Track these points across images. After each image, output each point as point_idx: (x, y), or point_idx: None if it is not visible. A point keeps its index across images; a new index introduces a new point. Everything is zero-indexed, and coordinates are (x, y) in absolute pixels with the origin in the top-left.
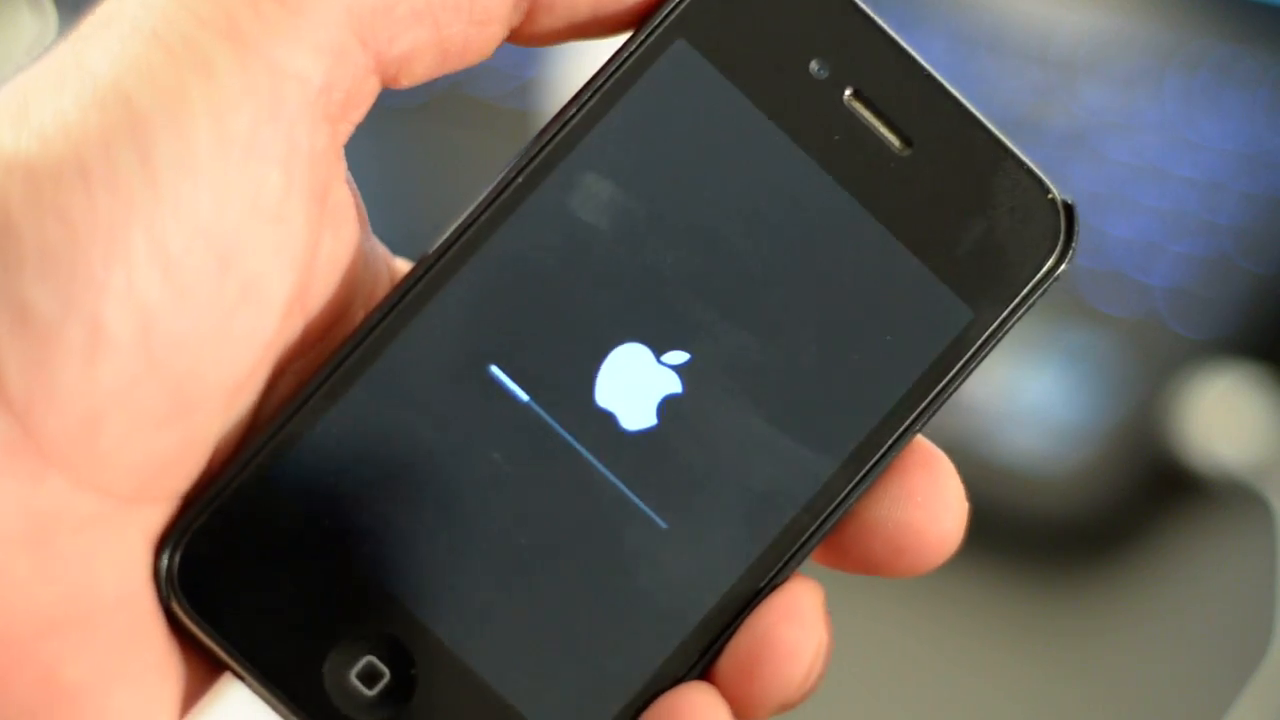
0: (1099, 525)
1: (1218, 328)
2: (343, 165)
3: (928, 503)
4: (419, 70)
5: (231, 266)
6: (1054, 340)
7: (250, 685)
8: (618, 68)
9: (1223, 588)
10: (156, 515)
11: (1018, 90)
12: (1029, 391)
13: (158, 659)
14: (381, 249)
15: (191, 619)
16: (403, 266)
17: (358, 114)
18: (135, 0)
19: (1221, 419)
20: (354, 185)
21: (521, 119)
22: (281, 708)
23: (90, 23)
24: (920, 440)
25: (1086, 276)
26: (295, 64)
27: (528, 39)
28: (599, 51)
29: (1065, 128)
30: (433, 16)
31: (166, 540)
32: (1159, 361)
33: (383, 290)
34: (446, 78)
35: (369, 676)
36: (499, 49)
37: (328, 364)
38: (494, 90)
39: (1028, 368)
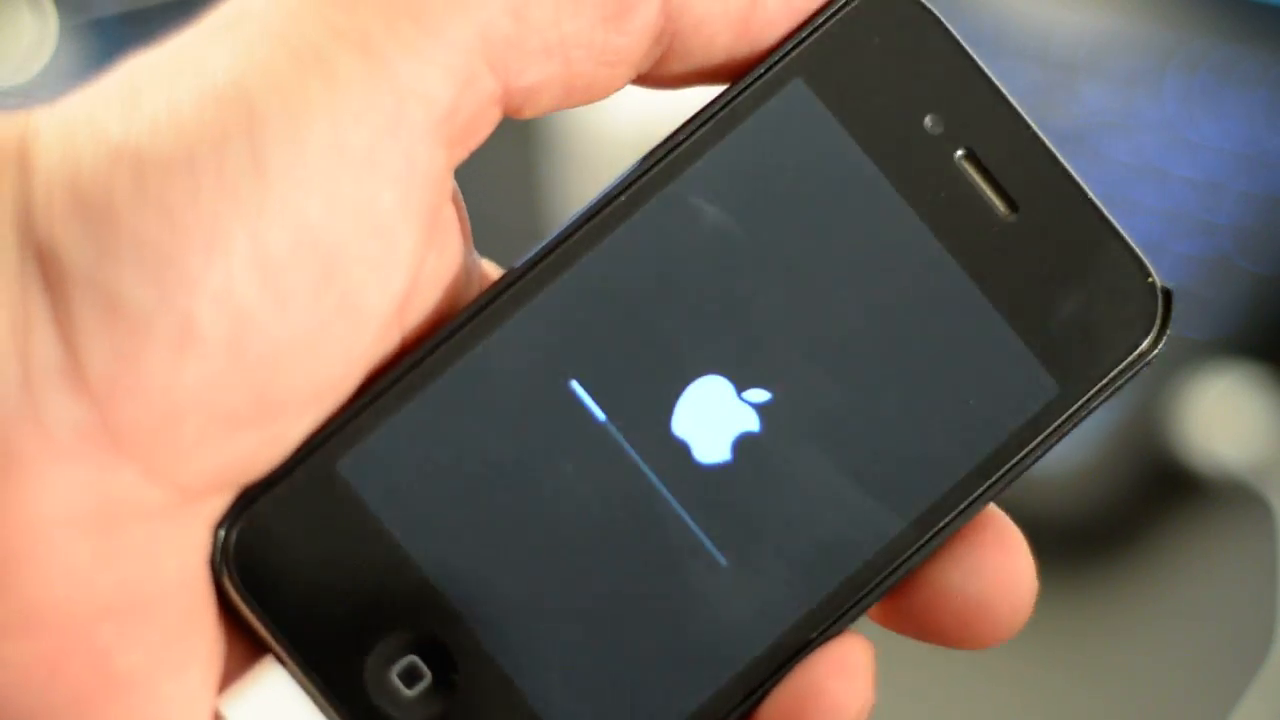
0: (1099, 525)
1: (1218, 328)
2: (452, 183)
3: (999, 579)
4: (544, 103)
5: (333, 278)
6: None
7: (290, 669)
8: (732, 99)
9: (1223, 588)
10: (222, 505)
11: (1018, 90)
12: None
13: (208, 645)
14: (482, 263)
15: (240, 596)
16: (491, 269)
17: (476, 140)
18: (265, 3)
19: (1221, 419)
20: (460, 200)
21: (521, 119)
22: (318, 694)
23: (214, 19)
24: (996, 512)
25: None
26: (423, 84)
27: (656, 82)
28: None
29: (1065, 128)
30: (564, 53)
31: (224, 519)
32: (1159, 361)
33: None
34: None
35: (410, 676)
36: None
37: (406, 362)
38: None
39: None
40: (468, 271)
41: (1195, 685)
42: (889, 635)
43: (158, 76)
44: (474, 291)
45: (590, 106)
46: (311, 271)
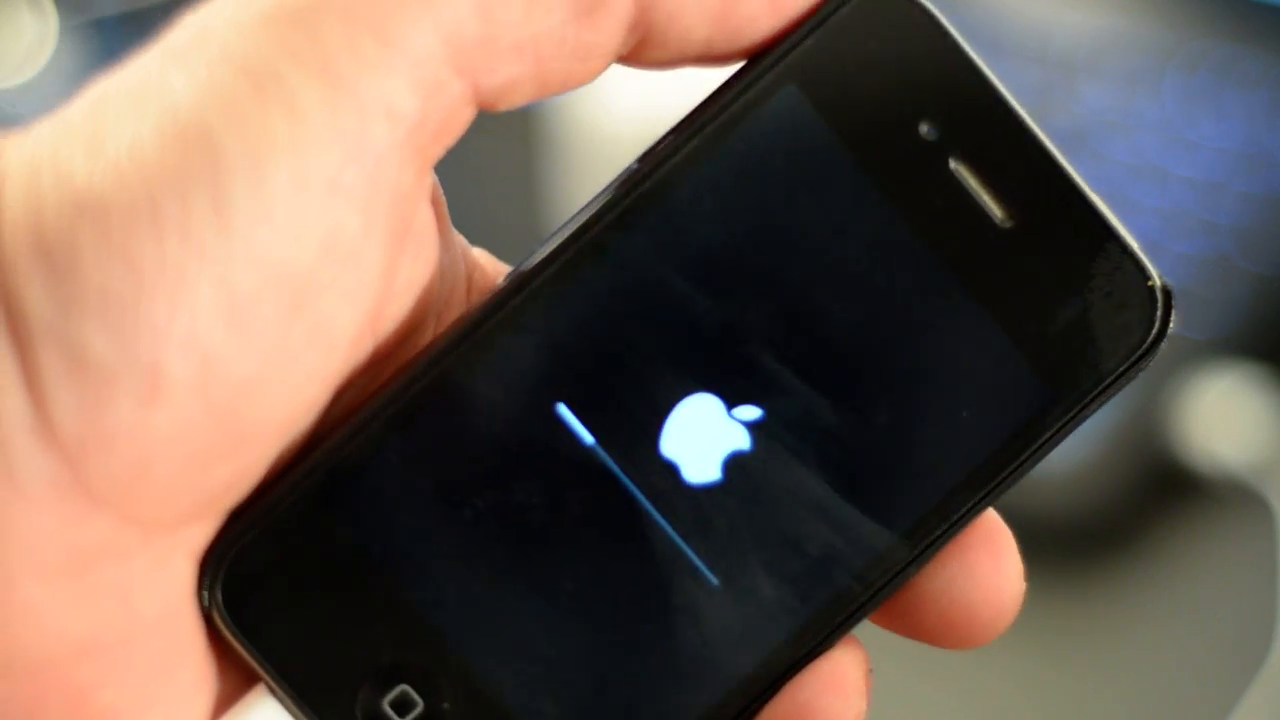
0: (1099, 525)
1: (1218, 328)
2: (428, 184)
3: (986, 582)
4: (517, 98)
5: (302, 309)
6: None
7: (281, 700)
8: (722, 107)
9: (1223, 588)
10: (201, 533)
11: (1017, 90)
12: None
13: (194, 675)
14: (460, 244)
15: (230, 631)
16: (481, 257)
17: (450, 140)
18: (225, 22)
19: (1221, 419)
20: (440, 196)
21: (522, 119)
22: None
23: (177, 39)
24: (987, 513)
25: None
26: (386, 101)
27: (636, 65)
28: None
29: (1065, 128)
30: (535, 51)
31: (213, 553)
32: (1159, 362)
33: (460, 295)
34: None
35: (402, 705)
36: None
37: (389, 389)
38: None
39: None
40: (443, 269)
41: (1195, 685)
42: (889, 634)
43: (122, 108)
44: (449, 286)
45: (592, 105)
46: (279, 306)
